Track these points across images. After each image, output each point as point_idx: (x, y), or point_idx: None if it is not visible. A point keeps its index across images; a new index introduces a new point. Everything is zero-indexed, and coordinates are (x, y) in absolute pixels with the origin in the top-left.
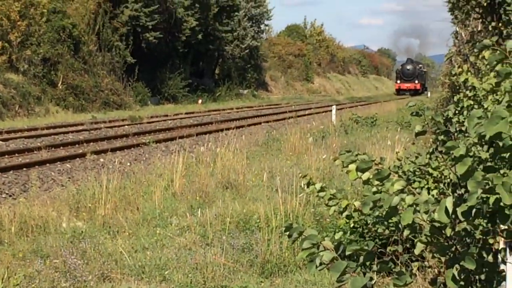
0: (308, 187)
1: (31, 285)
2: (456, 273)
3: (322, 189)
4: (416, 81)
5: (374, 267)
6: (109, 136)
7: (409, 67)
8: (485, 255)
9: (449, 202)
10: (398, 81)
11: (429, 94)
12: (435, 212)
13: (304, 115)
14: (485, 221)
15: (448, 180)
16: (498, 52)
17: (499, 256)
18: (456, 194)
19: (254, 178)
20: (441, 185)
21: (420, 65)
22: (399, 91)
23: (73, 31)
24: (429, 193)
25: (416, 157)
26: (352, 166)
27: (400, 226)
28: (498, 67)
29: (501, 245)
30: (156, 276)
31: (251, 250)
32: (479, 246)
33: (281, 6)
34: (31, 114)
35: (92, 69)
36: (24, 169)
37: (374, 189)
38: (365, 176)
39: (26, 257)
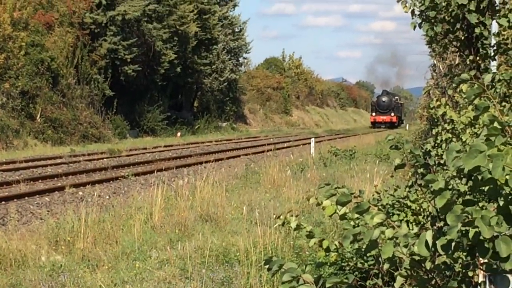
0: (283, 226)
1: None
2: None
3: (298, 227)
4: (392, 114)
5: None
6: (88, 169)
7: (384, 99)
8: None
9: (429, 235)
10: (374, 114)
11: (407, 127)
12: (415, 245)
13: (283, 147)
14: (465, 254)
15: (427, 213)
16: (475, 86)
17: None
18: (435, 227)
19: (233, 211)
20: (420, 217)
21: (396, 97)
22: (375, 124)
23: (52, 64)
24: (408, 226)
25: (395, 190)
26: (327, 202)
27: (380, 259)
28: (476, 101)
29: (481, 278)
30: None
31: (231, 283)
32: (459, 279)
33: (260, 39)
34: (9, 147)
35: (70, 102)
36: (3, 202)
37: (353, 222)
38: (342, 211)
39: None
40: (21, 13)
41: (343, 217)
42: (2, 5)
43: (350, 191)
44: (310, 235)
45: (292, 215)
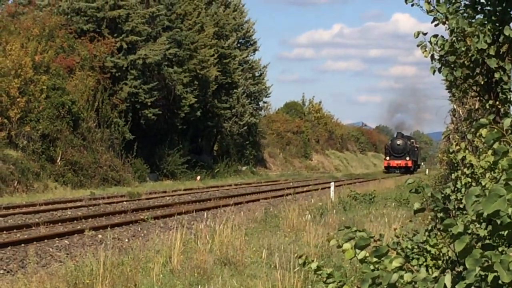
0: (304, 266)
1: None
2: None
3: (318, 268)
4: (408, 158)
5: None
6: (108, 212)
7: (399, 142)
8: None
9: (447, 279)
10: (388, 158)
11: (427, 172)
12: None
13: (303, 191)
14: None
15: (447, 257)
16: (495, 130)
17: None
18: (454, 272)
19: (252, 255)
20: (440, 262)
21: (412, 140)
22: (389, 169)
23: (72, 108)
24: (427, 271)
25: (414, 234)
26: (347, 245)
27: None
28: (495, 145)
29: None
30: None
31: None
32: None
33: (280, 83)
34: (29, 190)
35: (91, 145)
36: (22, 245)
37: (372, 266)
38: (361, 254)
39: None
40: (43, 56)
41: (362, 260)
42: (24, 49)
43: (369, 235)
44: (329, 277)
45: (312, 259)
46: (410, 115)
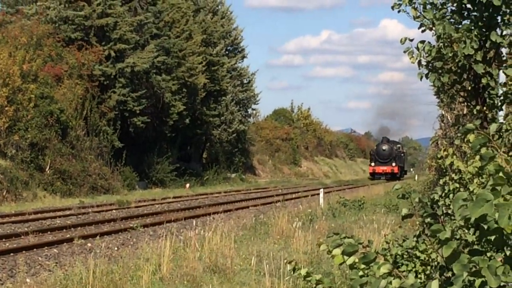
0: (294, 272)
1: None
2: None
3: (308, 275)
4: (393, 164)
5: None
6: (97, 221)
7: (385, 147)
8: None
9: (434, 285)
10: (373, 164)
11: (416, 177)
12: None
13: (292, 198)
14: None
15: (436, 263)
16: (481, 136)
17: None
18: (443, 277)
19: (242, 262)
20: (429, 268)
21: (398, 145)
22: (374, 175)
23: (61, 116)
24: (416, 276)
25: (404, 240)
26: (337, 251)
27: None
28: (482, 151)
29: None
30: None
31: None
32: None
33: (268, 90)
34: (18, 199)
35: (80, 153)
36: (11, 254)
37: (361, 272)
38: (350, 260)
39: None
40: (31, 65)
41: (352, 266)
42: (12, 57)
43: (358, 241)
44: (319, 283)
45: (302, 266)
46: (398, 120)
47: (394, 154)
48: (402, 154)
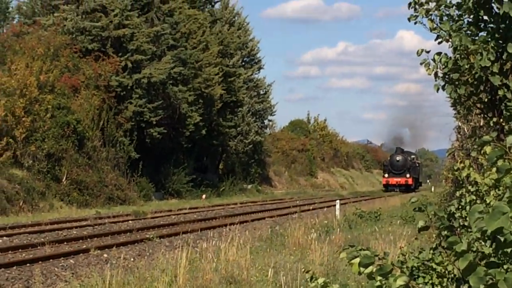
0: (311, 282)
1: None
2: None
3: (325, 284)
4: (408, 175)
5: None
6: (113, 231)
7: (398, 158)
8: None
9: None
10: (386, 175)
11: (433, 189)
12: None
13: (308, 210)
14: None
15: (452, 275)
16: (498, 148)
17: None
18: None
19: (258, 274)
20: (445, 280)
21: (412, 156)
22: (387, 187)
23: (78, 127)
24: None
25: (420, 252)
26: (356, 260)
27: None
28: (498, 163)
29: None
30: None
31: None
32: None
33: (285, 102)
34: (35, 210)
35: (96, 164)
36: (28, 264)
37: (378, 283)
38: (368, 270)
39: None
40: (48, 76)
41: (370, 276)
42: (29, 68)
43: (374, 253)
44: None
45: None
46: (414, 132)
47: (408, 165)
48: (417, 165)
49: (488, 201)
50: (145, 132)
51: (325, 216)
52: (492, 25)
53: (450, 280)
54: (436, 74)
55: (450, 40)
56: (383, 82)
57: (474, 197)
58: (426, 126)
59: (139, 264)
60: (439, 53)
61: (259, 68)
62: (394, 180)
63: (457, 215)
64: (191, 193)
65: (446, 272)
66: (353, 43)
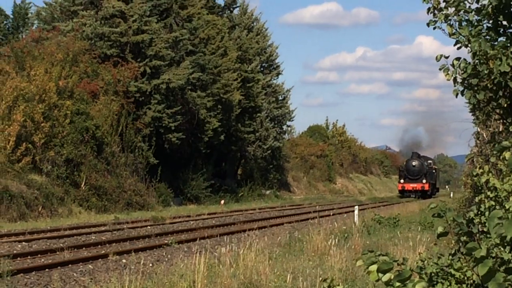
0: None
1: None
2: None
3: None
4: (424, 181)
5: None
6: (132, 237)
7: (415, 163)
8: None
9: None
10: (402, 181)
11: (451, 195)
12: None
13: (327, 215)
14: None
15: (471, 281)
16: None
17: None
18: None
19: (276, 279)
20: (465, 286)
21: (429, 161)
22: (403, 193)
23: (96, 132)
24: None
25: (439, 258)
26: (373, 267)
27: None
28: None
29: None
30: None
31: None
32: None
33: (303, 107)
34: (54, 215)
35: (115, 170)
36: (47, 270)
37: None
38: (386, 277)
39: None
40: (67, 81)
41: (388, 283)
42: (48, 74)
43: (392, 259)
44: None
45: (337, 283)
46: (431, 137)
47: (425, 170)
48: (434, 171)
49: (507, 207)
50: (164, 138)
51: (343, 222)
52: (511, 30)
53: (469, 286)
54: (455, 80)
55: (469, 45)
56: (401, 88)
57: (493, 203)
58: (445, 131)
59: (157, 269)
60: (458, 59)
61: (278, 74)
62: (410, 186)
63: (476, 221)
64: (210, 198)
65: (465, 278)
66: (372, 49)
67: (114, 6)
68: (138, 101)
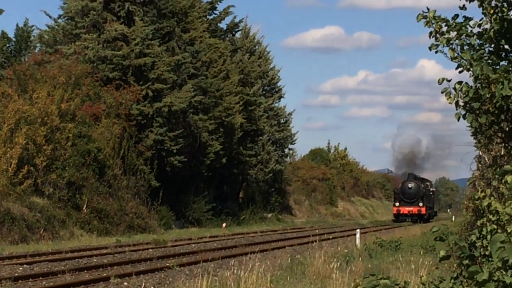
0: None
1: None
2: None
3: None
4: (421, 204)
5: None
6: (133, 260)
7: (411, 185)
8: None
9: None
10: (397, 204)
11: (453, 218)
12: None
13: (328, 238)
14: None
15: None
16: None
17: None
18: None
19: None
20: None
21: (426, 183)
22: (398, 217)
23: (98, 155)
24: None
25: (440, 282)
26: None
27: None
28: None
29: None
30: None
31: None
32: None
33: (305, 130)
34: (55, 238)
35: (116, 192)
36: None
37: None
38: None
39: None
40: (69, 104)
41: None
42: (50, 97)
43: (394, 282)
44: None
45: None
46: (432, 161)
47: (421, 193)
48: (431, 193)
49: (509, 231)
50: (166, 161)
51: (345, 245)
52: None
53: None
54: (457, 103)
55: (471, 69)
56: (403, 111)
57: (495, 227)
58: (446, 155)
59: None
60: (460, 82)
61: (280, 97)
62: (405, 209)
63: (478, 244)
64: (212, 221)
65: None
66: (374, 72)
67: (116, 29)
68: (140, 124)
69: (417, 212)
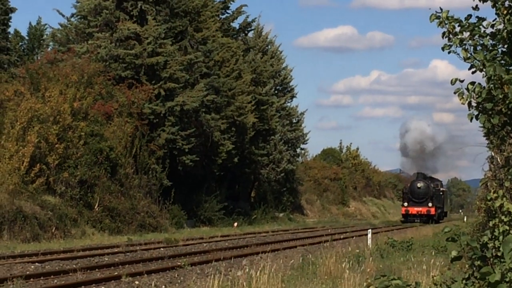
0: None
1: None
2: None
3: None
4: (430, 204)
5: None
6: (145, 259)
7: (420, 184)
8: None
9: None
10: (406, 204)
11: (465, 219)
12: None
13: (340, 238)
14: None
15: None
16: None
17: None
18: None
19: None
20: None
21: (436, 183)
22: (407, 217)
23: (110, 154)
24: None
25: (452, 282)
26: None
27: None
28: None
29: None
30: None
31: None
32: None
33: (317, 130)
34: (67, 236)
35: (128, 191)
36: None
37: None
38: None
39: None
40: (81, 103)
41: None
42: (62, 95)
43: (405, 283)
44: None
45: None
46: (444, 161)
47: (431, 193)
48: (441, 193)
49: None
50: (178, 160)
51: (356, 245)
52: None
53: None
54: (469, 104)
55: (484, 69)
56: (416, 112)
57: (507, 228)
58: (458, 155)
59: None
60: (472, 83)
61: (292, 97)
62: (414, 210)
63: (490, 245)
64: (223, 221)
65: None
66: (386, 72)
67: (129, 28)
68: (152, 123)
69: (426, 212)
